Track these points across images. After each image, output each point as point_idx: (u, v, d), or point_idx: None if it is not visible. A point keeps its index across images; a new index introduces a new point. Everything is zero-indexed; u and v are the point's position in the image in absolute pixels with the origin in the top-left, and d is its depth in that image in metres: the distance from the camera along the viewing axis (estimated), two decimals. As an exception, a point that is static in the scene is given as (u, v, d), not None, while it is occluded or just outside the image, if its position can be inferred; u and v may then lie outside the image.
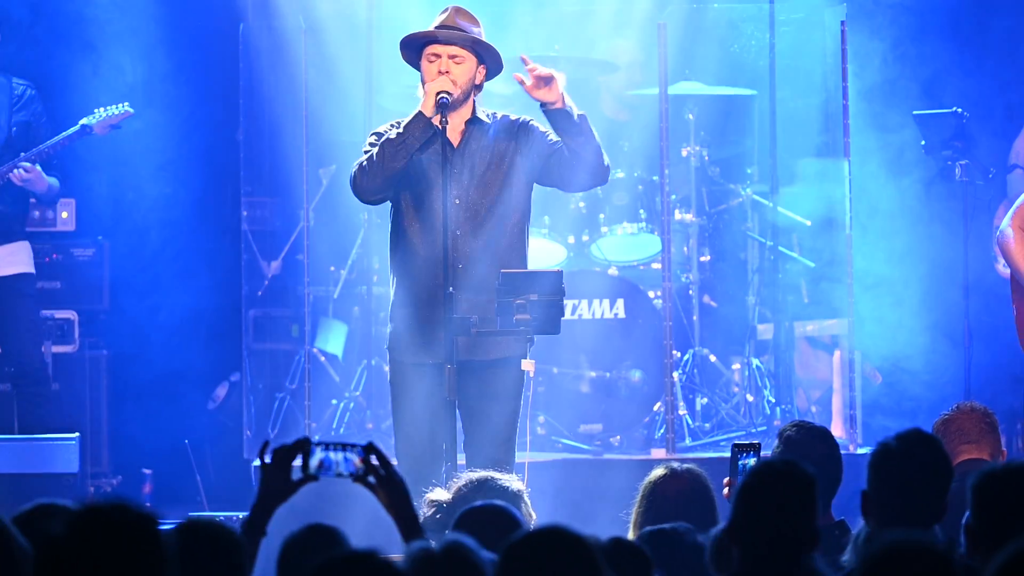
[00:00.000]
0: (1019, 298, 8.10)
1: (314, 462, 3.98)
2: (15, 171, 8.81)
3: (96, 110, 8.89)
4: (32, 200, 9.15)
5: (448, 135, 6.97)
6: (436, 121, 6.89)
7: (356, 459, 3.98)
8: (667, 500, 4.80)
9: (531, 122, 7.13)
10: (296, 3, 9.67)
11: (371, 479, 3.99)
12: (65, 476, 8.56)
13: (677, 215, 9.76)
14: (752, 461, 5.21)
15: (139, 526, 3.09)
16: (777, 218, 9.68)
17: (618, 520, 5.13)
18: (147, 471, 9.57)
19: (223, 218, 10.22)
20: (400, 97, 9.99)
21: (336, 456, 3.98)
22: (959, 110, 9.16)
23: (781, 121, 9.58)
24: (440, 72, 6.95)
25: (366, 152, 7.02)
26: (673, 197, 9.55)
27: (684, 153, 9.87)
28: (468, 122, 7.03)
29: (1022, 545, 2.99)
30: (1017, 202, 8.05)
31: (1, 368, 9.25)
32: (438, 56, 6.98)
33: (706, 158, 9.95)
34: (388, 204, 7.16)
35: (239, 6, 9.86)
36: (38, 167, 8.86)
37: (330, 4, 9.78)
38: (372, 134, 7.11)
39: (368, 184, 6.97)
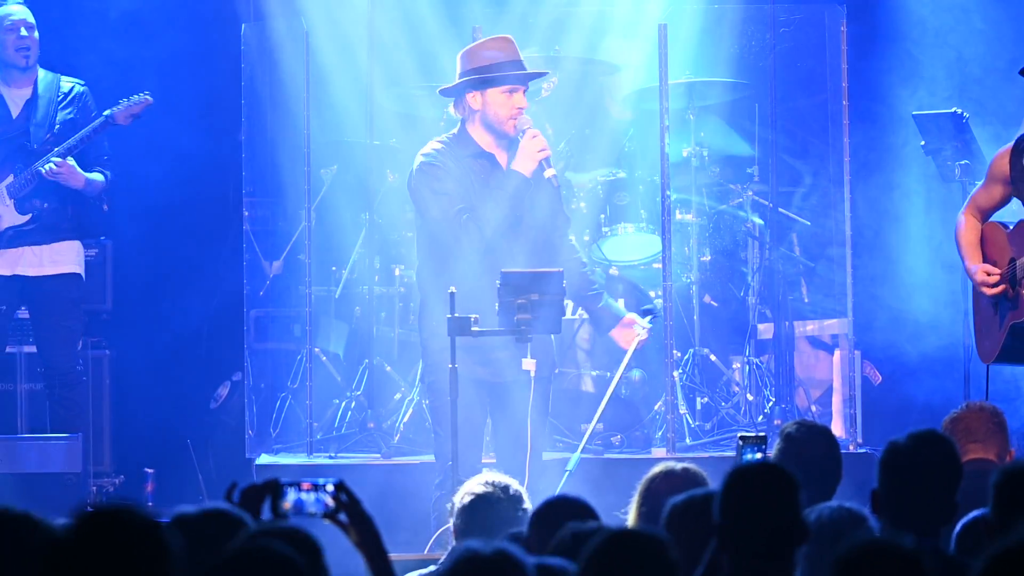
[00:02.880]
0: (976, 299, 7.95)
1: (287, 503, 4.01)
2: (45, 166, 8.77)
3: (120, 100, 8.89)
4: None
5: (497, 157, 7.41)
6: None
7: (328, 498, 4.01)
8: (662, 500, 4.81)
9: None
10: (298, 5, 9.69)
11: (342, 517, 4.02)
12: (68, 475, 8.57)
13: (677, 215, 9.77)
14: (758, 455, 5.21)
15: (143, 530, 3.09)
16: (777, 218, 9.70)
17: (618, 519, 5.15)
18: (149, 470, 9.58)
19: (225, 218, 10.24)
20: (400, 97, 10.02)
21: (308, 496, 4.02)
22: (959, 110, 9.17)
23: (781, 121, 9.59)
24: (517, 108, 7.36)
25: (435, 186, 7.32)
26: (673, 197, 9.56)
27: (684, 153, 9.89)
28: (509, 148, 7.42)
29: (1013, 543, 3.01)
30: (972, 191, 7.99)
31: (34, 368, 9.28)
32: (516, 90, 7.40)
33: (706, 158, 9.97)
34: (418, 218, 7.51)
35: (241, 7, 9.88)
36: (71, 162, 8.79)
37: (331, 5, 9.80)
38: (428, 163, 7.37)
39: (478, 244, 7.28)
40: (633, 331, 7.56)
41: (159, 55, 10.16)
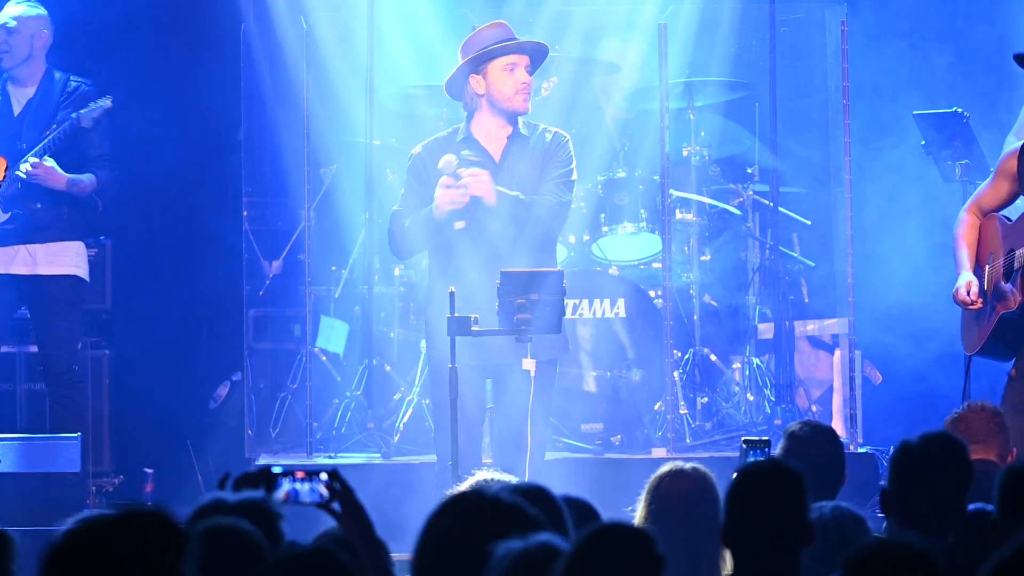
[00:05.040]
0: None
1: (281, 493, 4.01)
2: (22, 167, 8.68)
3: (89, 103, 8.82)
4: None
5: (490, 149, 7.40)
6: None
7: (322, 487, 4.01)
8: (670, 499, 4.82)
9: (561, 145, 7.48)
10: (297, 5, 9.69)
11: (336, 506, 4.02)
12: (67, 475, 8.56)
13: (677, 215, 9.78)
14: (762, 459, 5.22)
15: (157, 536, 3.08)
16: (777, 218, 9.70)
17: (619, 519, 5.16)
18: (149, 470, 9.57)
19: (224, 218, 10.23)
20: (400, 97, 10.02)
21: (303, 486, 4.02)
22: (959, 110, 9.17)
23: (781, 121, 9.60)
24: (522, 83, 7.32)
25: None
26: (673, 197, 9.57)
27: (684, 153, 9.89)
28: (510, 136, 7.41)
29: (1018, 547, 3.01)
30: (978, 189, 7.96)
31: (34, 368, 9.26)
32: (517, 65, 7.36)
33: (706, 158, 9.97)
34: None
35: (241, 8, 9.88)
36: (50, 162, 8.73)
37: (331, 6, 9.80)
38: (412, 156, 7.52)
39: (404, 253, 7.76)
40: None
41: (159, 55, 10.15)
